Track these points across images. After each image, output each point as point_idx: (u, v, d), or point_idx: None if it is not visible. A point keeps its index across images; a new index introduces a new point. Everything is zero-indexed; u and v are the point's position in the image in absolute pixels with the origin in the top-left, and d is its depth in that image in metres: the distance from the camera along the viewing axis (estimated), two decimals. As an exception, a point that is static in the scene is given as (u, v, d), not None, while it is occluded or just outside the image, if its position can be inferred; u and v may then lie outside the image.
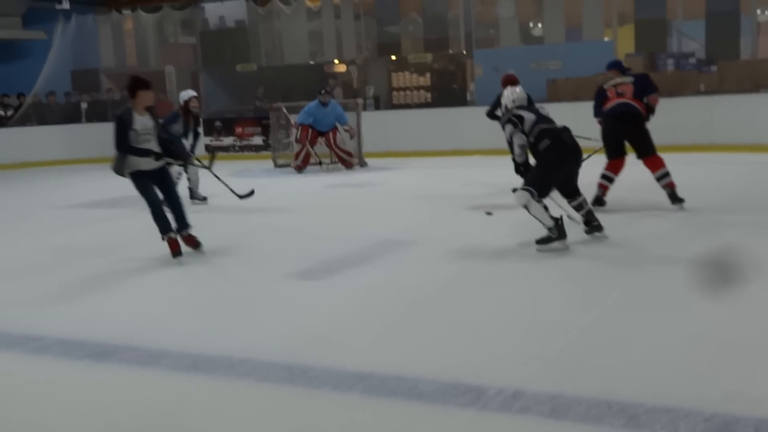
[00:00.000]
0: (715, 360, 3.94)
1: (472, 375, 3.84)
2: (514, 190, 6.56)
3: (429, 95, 16.70)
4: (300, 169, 13.48)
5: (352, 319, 4.98)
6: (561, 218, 6.45)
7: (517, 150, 6.72)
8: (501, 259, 6.34)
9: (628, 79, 8.10)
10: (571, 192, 6.74)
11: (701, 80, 14.17)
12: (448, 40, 18.31)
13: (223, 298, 5.60)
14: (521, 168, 6.93)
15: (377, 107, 16.82)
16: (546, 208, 6.40)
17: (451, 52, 17.72)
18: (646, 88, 8.02)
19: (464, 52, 17.38)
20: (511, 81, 9.79)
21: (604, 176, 8.19)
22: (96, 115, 18.61)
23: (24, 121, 18.26)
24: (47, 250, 7.68)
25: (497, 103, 9.17)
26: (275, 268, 6.36)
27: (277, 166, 14.32)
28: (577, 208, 6.78)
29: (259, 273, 6.28)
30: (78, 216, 9.83)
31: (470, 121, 15.12)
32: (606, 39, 16.37)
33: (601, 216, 6.94)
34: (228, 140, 16.75)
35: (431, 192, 10.24)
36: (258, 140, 16.36)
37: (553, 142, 6.50)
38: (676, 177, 7.94)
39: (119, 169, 6.58)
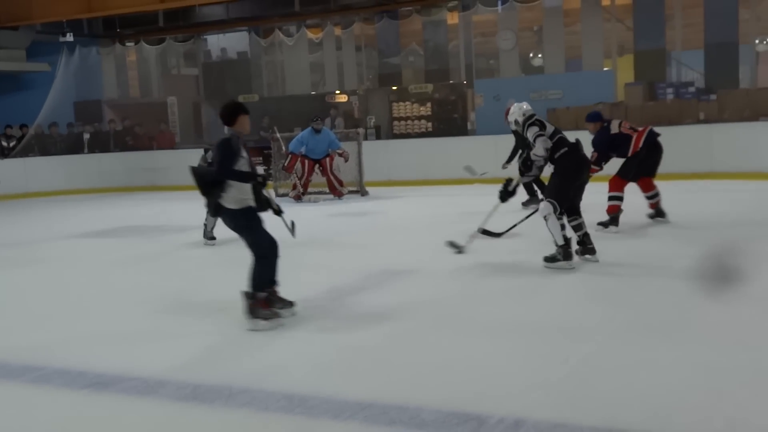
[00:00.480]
0: (718, 387, 3.91)
1: (473, 403, 3.81)
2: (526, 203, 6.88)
3: (430, 125, 16.76)
4: (299, 198, 13.52)
5: (352, 348, 4.95)
6: (570, 240, 6.63)
7: (540, 152, 6.77)
8: (501, 287, 6.32)
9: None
10: (572, 210, 6.87)
11: (701, 109, 14.21)
12: (448, 70, 18.42)
13: (220, 327, 5.57)
14: (511, 191, 7.16)
15: (378, 137, 16.88)
16: (563, 227, 6.62)
17: (451, 81, 17.81)
18: None
19: (465, 82, 17.48)
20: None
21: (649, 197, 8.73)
22: (98, 145, 18.71)
23: (26, 151, 18.32)
24: (46, 280, 7.67)
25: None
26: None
27: (277, 195, 14.35)
28: (576, 228, 6.89)
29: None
30: (77, 246, 9.83)
31: (471, 150, 15.17)
32: (606, 69, 16.46)
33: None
34: (230, 170, 16.78)
35: (431, 220, 10.24)
36: (260, 170, 16.38)
37: (571, 149, 6.78)
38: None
39: (216, 206, 5.43)
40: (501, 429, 3.50)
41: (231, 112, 5.62)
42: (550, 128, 6.90)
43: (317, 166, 13.48)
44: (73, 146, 18.59)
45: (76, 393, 4.34)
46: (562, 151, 6.78)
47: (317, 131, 13.33)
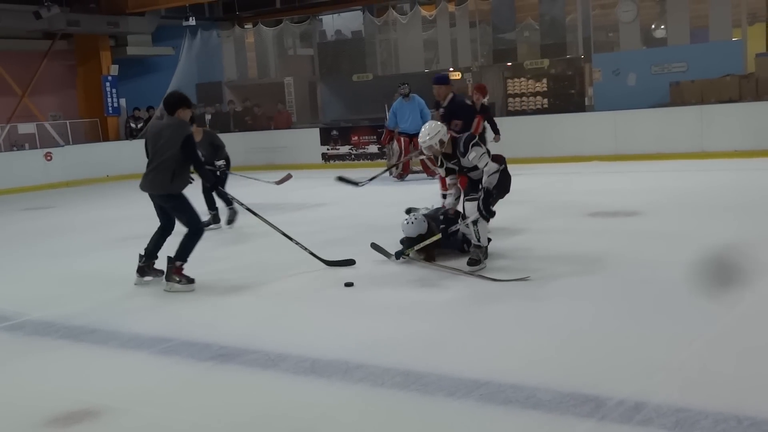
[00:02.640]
0: None
1: (591, 385, 3.74)
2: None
3: (545, 101, 16.42)
4: (401, 177, 13.51)
5: (468, 326, 4.95)
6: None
7: (492, 177, 6.28)
8: (622, 267, 6.15)
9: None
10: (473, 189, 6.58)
11: (839, 80, 13.36)
12: (565, 44, 17.94)
13: (340, 303, 5.68)
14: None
15: (493, 114, 16.69)
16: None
17: (568, 56, 17.36)
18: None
19: (582, 57, 17.00)
20: (481, 90, 10.41)
21: None
22: (219, 125, 19.32)
23: (153, 132, 19.17)
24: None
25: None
26: (392, 278, 6.40)
27: (391, 175, 14.41)
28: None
29: (374, 281, 6.32)
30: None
31: (588, 127, 14.81)
32: (735, 39, 15.64)
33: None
34: (344, 149, 17.04)
35: (551, 199, 10.06)
36: (373, 148, 16.55)
37: (502, 166, 6.44)
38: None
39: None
40: (620, 412, 3.42)
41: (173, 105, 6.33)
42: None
43: (412, 144, 13.22)
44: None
45: (202, 364, 4.53)
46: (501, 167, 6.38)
47: (405, 96, 13.16)
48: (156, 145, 6.24)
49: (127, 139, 19.08)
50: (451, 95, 8.08)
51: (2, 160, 16.65)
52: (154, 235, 6.58)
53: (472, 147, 6.31)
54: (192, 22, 19.31)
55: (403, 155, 13.28)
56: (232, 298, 6.01)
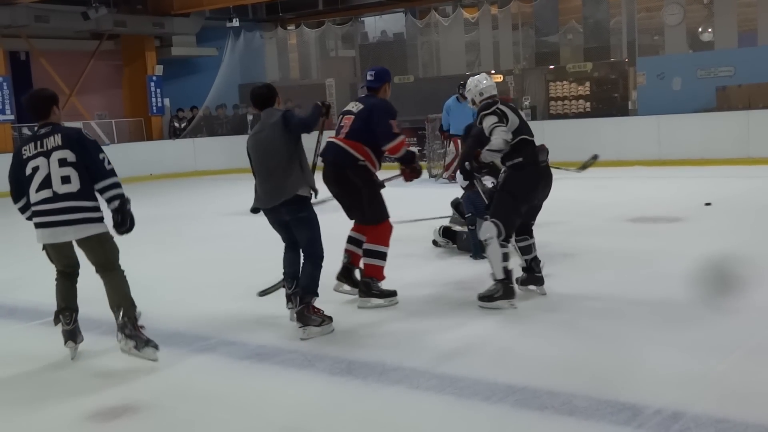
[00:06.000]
0: None
1: (629, 393, 3.70)
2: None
3: (588, 104, 16.26)
4: (452, 178, 13.48)
5: (505, 330, 4.93)
6: (512, 273, 5.38)
7: (498, 143, 5.22)
8: (662, 274, 6.06)
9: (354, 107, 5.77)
10: (522, 228, 5.53)
11: None
12: (609, 48, 17.77)
13: (377, 308, 5.68)
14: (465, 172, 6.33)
15: (534, 117, 16.56)
16: (505, 257, 5.29)
17: (612, 60, 17.19)
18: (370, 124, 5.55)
19: (626, 60, 16.81)
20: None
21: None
22: (261, 126, 19.48)
23: (195, 132, 19.45)
24: (213, 256, 8.10)
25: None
26: (431, 278, 6.40)
27: (431, 176, 14.41)
28: (524, 251, 5.59)
29: (413, 282, 6.32)
30: (245, 223, 10.30)
31: (632, 131, 14.63)
32: (784, 43, 15.34)
33: None
34: (385, 150, 17.02)
35: (595, 203, 9.96)
36: (413, 150, 16.53)
37: (528, 160, 5.34)
38: None
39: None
40: (658, 420, 3.37)
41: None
42: (514, 120, 5.37)
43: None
44: (237, 127, 19.48)
45: (239, 363, 4.57)
46: (516, 161, 5.33)
47: (462, 97, 12.20)
48: (259, 150, 5.11)
49: (170, 138, 19.35)
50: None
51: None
52: (286, 257, 5.33)
53: (485, 116, 5.38)
54: (236, 23, 19.52)
55: (456, 157, 13.25)
56: (270, 297, 6.04)
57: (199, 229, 10.07)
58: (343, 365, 4.38)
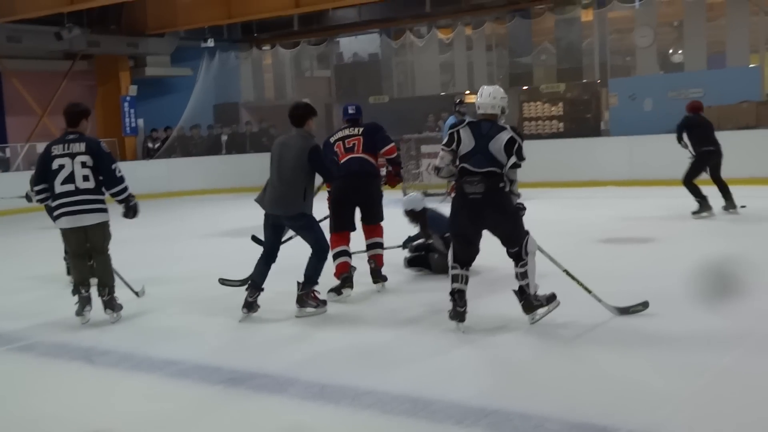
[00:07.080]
0: None
1: (601, 415, 3.71)
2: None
3: (561, 125, 16.42)
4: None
5: (478, 353, 4.94)
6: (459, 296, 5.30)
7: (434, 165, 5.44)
8: (633, 294, 6.09)
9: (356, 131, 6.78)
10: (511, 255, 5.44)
11: None
12: (581, 69, 18.00)
13: (351, 329, 5.67)
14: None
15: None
16: (453, 279, 5.32)
17: (584, 80, 17.40)
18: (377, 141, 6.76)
19: (599, 81, 17.02)
20: (695, 108, 10.24)
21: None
22: (235, 146, 19.46)
23: (169, 152, 19.34)
24: (187, 277, 8.04)
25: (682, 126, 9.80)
26: (402, 303, 6.39)
27: (405, 195, 14.38)
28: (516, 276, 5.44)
29: (384, 305, 6.32)
30: (217, 245, 10.26)
31: (604, 152, 14.78)
32: (752, 65, 15.60)
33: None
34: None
35: (567, 223, 10.03)
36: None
37: (458, 189, 5.27)
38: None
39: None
40: (629, 443, 3.39)
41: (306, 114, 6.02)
42: (468, 144, 5.24)
43: None
44: (212, 147, 19.43)
45: (212, 387, 4.53)
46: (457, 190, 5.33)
47: (461, 114, 11.53)
48: (281, 159, 5.88)
49: (144, 158, 19.25)
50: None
51: (21, 180, 16.78)
52: (258, 265, 5.98)
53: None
54: (210, 43, 19.54)
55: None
56: (243, 321, 6.01)
57: (172, 251, 10.00)
58: (315, 389, 4.35)
